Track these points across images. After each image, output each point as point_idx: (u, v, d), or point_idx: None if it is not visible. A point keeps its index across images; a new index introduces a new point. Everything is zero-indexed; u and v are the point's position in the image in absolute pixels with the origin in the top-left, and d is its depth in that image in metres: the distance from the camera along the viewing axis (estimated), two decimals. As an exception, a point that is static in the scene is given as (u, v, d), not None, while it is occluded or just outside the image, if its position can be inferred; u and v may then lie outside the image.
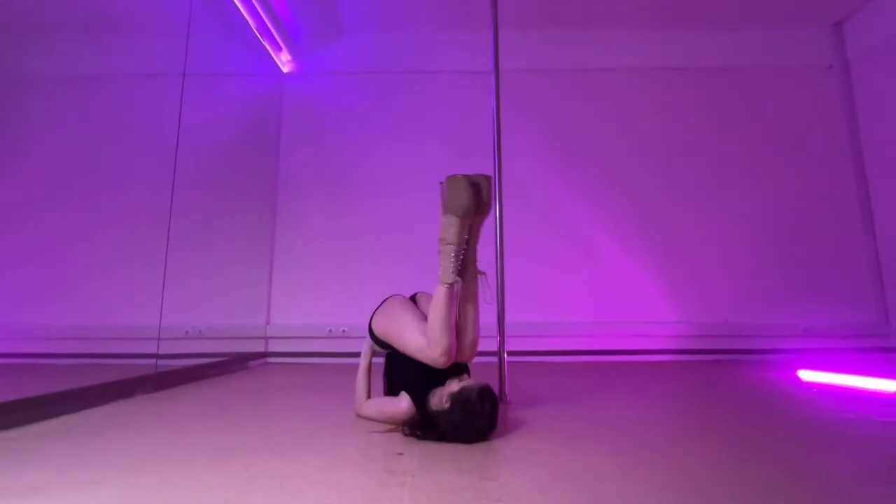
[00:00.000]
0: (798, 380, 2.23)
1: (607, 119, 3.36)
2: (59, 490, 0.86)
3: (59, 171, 2.94)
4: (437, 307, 1.23)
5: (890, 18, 3.07)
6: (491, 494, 0.83)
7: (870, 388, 1.96)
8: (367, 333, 1.47)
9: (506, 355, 1.76)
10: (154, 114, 2.77)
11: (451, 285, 1.24)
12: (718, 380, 2.25)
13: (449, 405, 1.14)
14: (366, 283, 3.09)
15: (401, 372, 1.32)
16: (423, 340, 1.25)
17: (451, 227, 1.27)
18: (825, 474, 0.92)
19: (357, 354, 1.57)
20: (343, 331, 3.06)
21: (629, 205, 3.25)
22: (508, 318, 3.05)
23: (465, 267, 1.32)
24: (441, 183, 1.29)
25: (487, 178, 1.33)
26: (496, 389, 1.62)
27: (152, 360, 2.17)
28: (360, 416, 1.41)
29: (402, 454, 1.07)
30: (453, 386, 1.18)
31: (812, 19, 3.39)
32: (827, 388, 2.01)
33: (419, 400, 1.21)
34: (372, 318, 1.44)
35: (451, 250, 1.27)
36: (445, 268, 1.26)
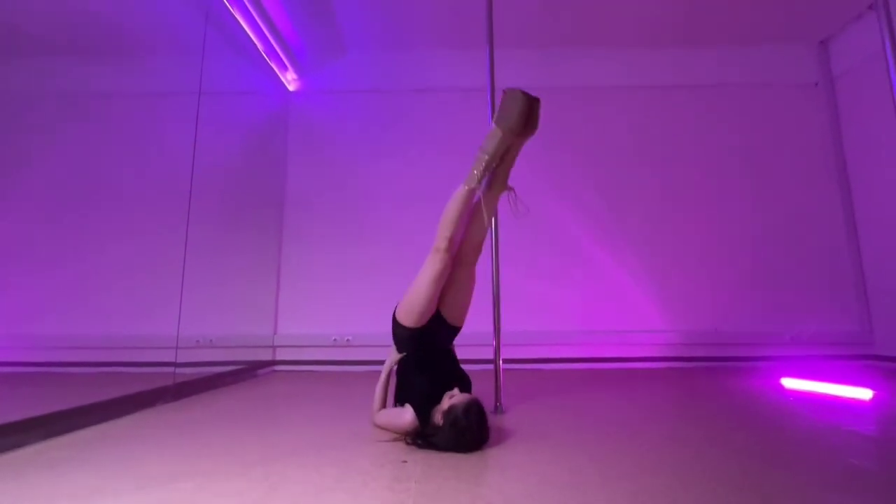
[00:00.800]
0: (781, 388, 2.36)
1: (598, 134, 3.50)
2: (112, 494, 0.99)
3: (80, 185, 3.09)
4: (452, 203, 1.35)
5: (873, 37, 3.20)
6: (485, 499, 0.95)
7: (846, 397, 2.09)
8: (374, 342, 1.59)
9: (501, 363, 1.88)
10: (172, 130, 2.90)
11: (472, 190, 1.36)
12: (705, 388, 2.37)
13: (442, 423, 1.26)
14: (369, 293, 3.22)
15: (408, 382, 1.44)
16: (433, 268, 1.35)
17: (493, 138, 1.37)
18: (785, 484, 1.05)
19: (361, 363, 1.70)
20: (347, 340, 3.19)
21: (621, 217, 3.39)
22: (504, 328, 3.19)
23: (495, 180, 1.42)
24: (504, 91, 1.38)
25: (538, 101, 1.39)
26: (493, 398, 1.75)
27: (171, 369, 2.30)
28: (373, 424, 1.54)
29: (406, 462, 1.20)
30: (444, 403, 1.30)
31: (799, 37, 3.52)
32: (807, 395, 2.14)
33: (422, 413, 1.33)
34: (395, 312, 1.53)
35: (484, 159, 1.37)
36: (474, 173, 1.37)
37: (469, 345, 1.95)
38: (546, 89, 3.47)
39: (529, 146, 3.44)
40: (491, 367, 1.89)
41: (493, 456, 1.26)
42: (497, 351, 1.89)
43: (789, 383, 2.45)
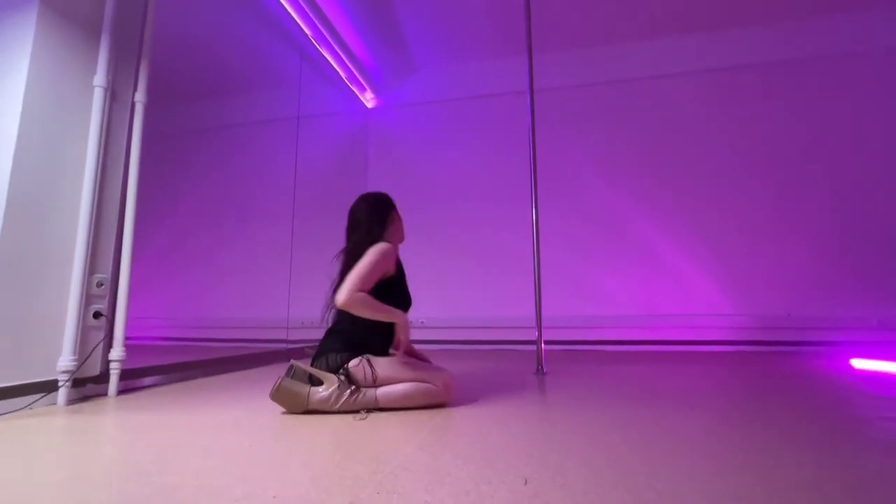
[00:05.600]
0: (849, 368, 2.31)
1: (658, 122, 3.55)
2: (237, 403, 1.49)
3: (213, 200, 3.92)
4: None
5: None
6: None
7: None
8: (446, 324, 1.80)
9: (543, 342, 2.16)
10: (279, 149, 3.58)
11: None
12: (763, 367, 2.41)
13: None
14: (441, 278, 3.65)
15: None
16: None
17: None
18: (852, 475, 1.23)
19: (435, 342, 1.96)
20: (422, 322, 3.64)
21: (685, 203, 3.41)
22: (564, 311, 3.42)
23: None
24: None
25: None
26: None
27: (283, 345, 2.92)
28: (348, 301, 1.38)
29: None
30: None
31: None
32: (876, 375, 2.09)
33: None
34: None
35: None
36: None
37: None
38: (602, 83, 3.69)
39: (588, 140, 3.63)
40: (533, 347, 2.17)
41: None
42: (539, 328, 2.17)
43: (859, 363, 2.39)
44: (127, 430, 1.17)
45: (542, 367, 2.10)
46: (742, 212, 3.33)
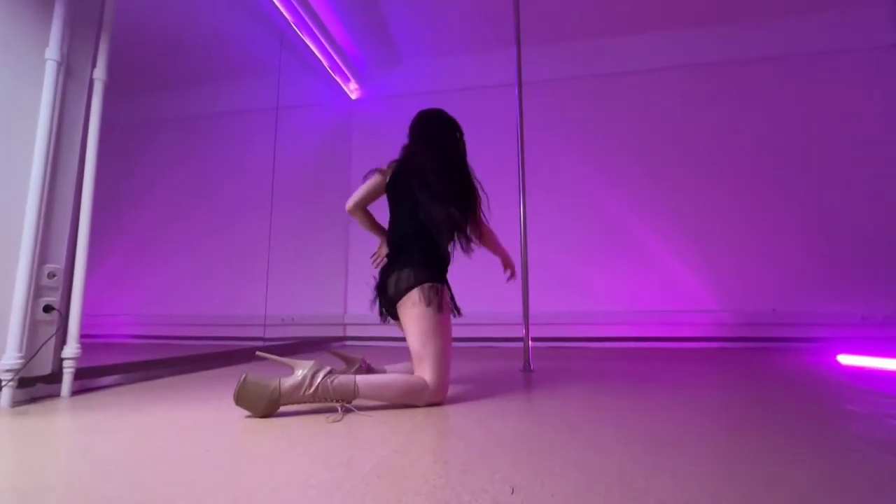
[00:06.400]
0: (836, 364, 2.29)
1: (646, 116, 3.52)
2: (201, 402, 1.39)
3: (186, 192, 3.76)
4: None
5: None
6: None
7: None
8: None
9: (530, 338, 2.09)
10: (257, 140, 3.45)
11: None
12: (746, 363, 2.39)
13: None
14: (425, 277, 3.56)
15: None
16: None
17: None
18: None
19: None
20: (407, 319, 3.55)
21: (670, 197, 3.39)
22: (551, 308, 3.36)
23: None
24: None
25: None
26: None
27: (260, 342, 2.80)
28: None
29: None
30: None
31: (872, -3, 3.27)
32: (863, 371, 2.07)
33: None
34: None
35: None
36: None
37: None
38: (591, 76, 3.63)
39: (576, 134, 3.57)
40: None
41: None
42: (526, 323, 2.11)
43: (845, 360, 2.38)
44: (73, 433, 1.06)
45: (528, 364, 2.03)
46: (727, 207, 3.32)
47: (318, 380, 1.19)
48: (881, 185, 3.13)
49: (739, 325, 3.16)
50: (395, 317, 1.47)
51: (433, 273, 1.41)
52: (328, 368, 1.23)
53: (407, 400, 1.27)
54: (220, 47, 3.18)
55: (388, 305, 1.48)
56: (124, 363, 1.70)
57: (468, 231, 1.49)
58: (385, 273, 1.48)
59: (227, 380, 1.83)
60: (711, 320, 3.21)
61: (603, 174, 3.51)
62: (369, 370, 1.49)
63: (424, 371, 1.30)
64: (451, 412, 1.24)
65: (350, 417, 1.17)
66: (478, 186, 1.57)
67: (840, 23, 3.33)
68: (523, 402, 1.39)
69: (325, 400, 1.20)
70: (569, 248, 3.47)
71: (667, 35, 3.55)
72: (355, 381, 1.23)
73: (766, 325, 3.13)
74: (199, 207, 3.58)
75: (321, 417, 1.17)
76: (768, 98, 3.38)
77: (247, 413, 1.18)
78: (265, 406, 1.15)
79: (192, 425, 1.10)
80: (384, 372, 1.51)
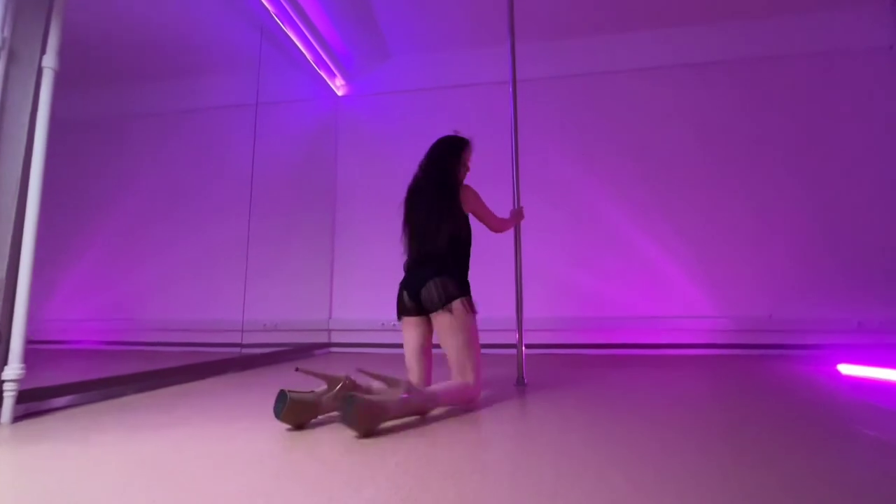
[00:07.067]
0: (837, 374, 2.22)
1: (641, 119, 3.43)
2: (172, 427, 1.24)
3: (160, 193, 3.57)
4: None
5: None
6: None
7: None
8: None
9: (524, 347, 1.98)
10: (234, 139, 3.28)
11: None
12: (744, 372, 2.30)
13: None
14: (413, 281, 3.42)
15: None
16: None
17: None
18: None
19: None
20: (394, 324, 3.41)
21: (664, 201, 3.30)
22: (544, 313, 3.25)
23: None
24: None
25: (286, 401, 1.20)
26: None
27: (237, 349, 2.64)
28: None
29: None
30: None
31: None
32: (864, 382, 2.00)
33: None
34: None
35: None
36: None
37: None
38: (583, 75, 3.53)
39: (567, 133, 3.47)
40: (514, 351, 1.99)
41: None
42: (520, 334, 2.00)
43: (846, 369, 2.31)
44: (3, 472, 0.91)
45: (522, 378, 1.91)
46: (722, 211, 3.24)
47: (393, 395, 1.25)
48: (877, 191, 3.09)
49: (736, 331, 3.09)
50: (418, 313, 1.57)
51: (467, 286, 1.59)
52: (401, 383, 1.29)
53: (459, 401, 1.45)
54: (196, 38, 2.99)
55: (414, 310, 1.57)
56: (77, 382, 1.54)
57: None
58: (417, 278, 1.56)
59: (196, 398, 1.68)
60: (707, 326, 3.13)
61: (597, 177, 3.41)
62: (354, 387, 1.36)
63: (467, 374, 1.48)
64: (437, 442, 1.11)
65: (315, 440, 1.04)
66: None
67: (838, 24, 3.27)
68: (517, 427, 1.27)
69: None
70: (562, 252, 3.36)
71: (662, 34, 3.46)
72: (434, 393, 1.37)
73: (763, 332, 3.06)
74: (175, 208, 3.40)
75: (299, 456, 1.03)
76: (765, 101, 3.31)
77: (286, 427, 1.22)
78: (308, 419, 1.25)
79: (144, 460, 0.96)
80: (370, 388, 1.39)
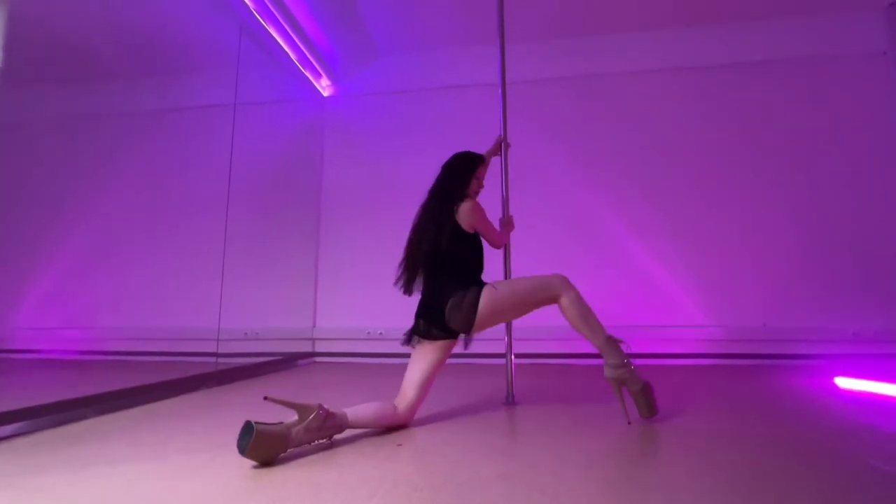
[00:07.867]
0: (834, 387, 2.16)
1: (633, 124, 3.36)
2: (138, 461, 1.13)
3: (133, 196, 3.42)
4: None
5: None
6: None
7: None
8: (399, 336, 1.68)
9: (513, 358, 1.89)
10: (211, 140, 3.14)
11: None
12: (752, 392, 2.23)
13: None
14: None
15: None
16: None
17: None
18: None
19: (393, 355, 1.87)
20: (380, 333, 3.30)
21: (657, 207, 3.23)
22: (535, 322, 3.15)
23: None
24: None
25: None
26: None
27: (213, 359, 2.51)
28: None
29: (400, 445, 1.25)
30: None
31: (864, 2, 3.18)
32: (862, 396, 1.95)
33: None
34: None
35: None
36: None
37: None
38: (576, 77, 3.45)
39: (560, 138, 3.38)
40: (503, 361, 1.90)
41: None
42: (509, 346, 1.91)
43: (843, 383, 2.25)
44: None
45: (512, 396, 1.82)
46: (715, 218, 3.18)
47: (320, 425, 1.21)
48: (872, 200, 3.05)
49: (729, 341, 3.02)
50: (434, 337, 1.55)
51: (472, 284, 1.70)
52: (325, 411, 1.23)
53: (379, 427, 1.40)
54: (169, 34, 2.86)
55: (434, 331, 1.56)
56: (25, 409, 1.40)
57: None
58: (438, 298, 1.60)
59: (162, 421, 1.56)
60: (700, 336, 3.06)
61: (590, 182, 3.33)
62: (328, 416, 1.25)
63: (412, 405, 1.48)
64: (419, 475, 1.01)
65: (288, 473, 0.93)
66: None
67: (831, 29, 3.23)
68: (507, 460, 1.17)
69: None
70: (553, 258, 3.27)
71: (655, 37, 3.40)
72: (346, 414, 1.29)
73: (757, 342, 3.00)
74: (150, 211, 3.25)
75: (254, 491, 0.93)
76: (756, 107, 3.26)
77: (253, 464, 1.10)
78: (276, 451, 1.13)
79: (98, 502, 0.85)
80: (345, 416, 1.29)
